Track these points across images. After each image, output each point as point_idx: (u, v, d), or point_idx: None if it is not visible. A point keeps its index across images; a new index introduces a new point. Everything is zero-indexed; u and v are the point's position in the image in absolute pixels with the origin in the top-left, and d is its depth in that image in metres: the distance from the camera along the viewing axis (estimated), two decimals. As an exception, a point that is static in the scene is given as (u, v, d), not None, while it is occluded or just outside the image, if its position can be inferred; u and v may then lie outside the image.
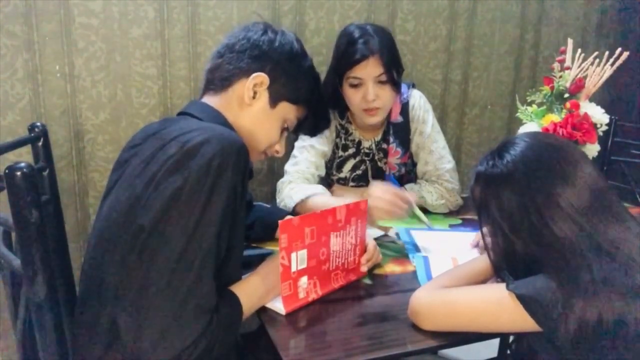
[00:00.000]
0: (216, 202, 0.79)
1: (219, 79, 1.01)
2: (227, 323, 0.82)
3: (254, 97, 1.00)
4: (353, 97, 1.39)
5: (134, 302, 0.77)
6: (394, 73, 1.38)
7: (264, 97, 1.01)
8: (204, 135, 0.82)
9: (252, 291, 0.92)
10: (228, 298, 0.87)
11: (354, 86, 1.38)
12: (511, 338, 1.77)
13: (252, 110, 1.01)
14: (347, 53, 1.36)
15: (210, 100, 1.01)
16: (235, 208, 0.84)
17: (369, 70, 1.35)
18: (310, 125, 1.17)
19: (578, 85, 1.36)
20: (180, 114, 1.01)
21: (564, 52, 1.40)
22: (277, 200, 1.43)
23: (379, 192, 1.18)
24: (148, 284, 0.76)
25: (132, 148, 0.94)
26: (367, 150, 1.55)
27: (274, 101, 1.02)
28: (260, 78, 0.99)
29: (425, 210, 1.46)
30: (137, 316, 0.76)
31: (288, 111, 1.05)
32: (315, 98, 1.10)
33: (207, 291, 0.78)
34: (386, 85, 1.37)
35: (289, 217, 0.97)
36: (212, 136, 0.82)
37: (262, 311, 0.96)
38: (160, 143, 0.86)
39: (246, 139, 0.96)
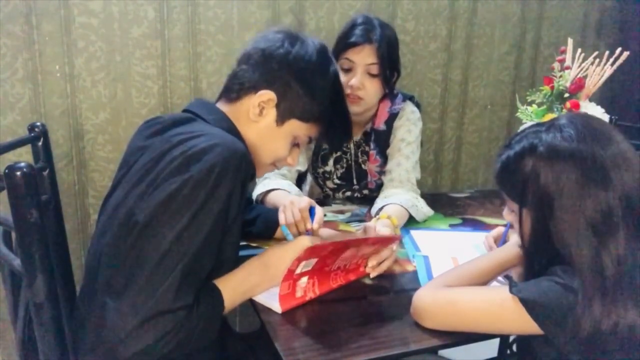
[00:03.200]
0: (210, 209, 0.82)
1: (234, 89, 1.00)
2: (206, 317, 0.84)
3: (260, 114, 0.98)
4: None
5: (118, 294, 0.80)
6: (386, 70, 1.39)
7: (271, 114, 0.98)
8: (209, 142, 0.84)
9: (236, 285, 0.92)
10: (210, 292, 0.88)
11: (344, 70, 1.38)
12: (511, 338, 1.77)
13: (258, 126, 0.99)
14: (345, 35, 1.38)
15: (223, 106, 1.01)
16: (229, 215, 0.86)
17: (362, 56, 1.36)
18: (326, 140, 1.14)
19: (578, 85, 1.36)
20: (187, 111, 1.01)
21: (564, 52, 1.40)
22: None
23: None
24: (132, 277, 0.79)
25: (140, 150, 0.95)
26: (345, 149, 1.55)
27: (281, 119, 0.99)
28: (268, 96, 0.96)
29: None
30: (118, 307, 0.79)
31: (297, 129, 1.01)
32: (330, 116, 1.03)
33: (185, 290, 0.80)
34: (375, 79, 1.38)
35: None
36: (217, 144, 0.84)
37: (262, 311, 0.96)
38: (167, 145, 0.87)
39: (252, 152, 0.97)
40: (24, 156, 1.45)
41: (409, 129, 1.48)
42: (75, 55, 1.51)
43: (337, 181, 1.59)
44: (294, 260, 0.91)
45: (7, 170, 0.75)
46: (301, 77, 0.97)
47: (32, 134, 1.26)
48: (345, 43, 1.37)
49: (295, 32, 1.02)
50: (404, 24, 1.87)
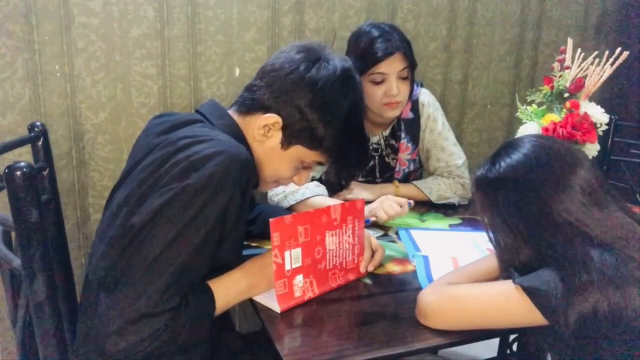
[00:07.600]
0: (206, 218, 0.83)
1: (245, 103, 0.98)
2: (195, 317, 0.84)
3: (265, 135, 0.96)
4: (376, 93, 1.42)
5: (111, 291, 0.81)
6: (413, 69, 1.46)
7: (276, 136, 0.96)
8: (213, 150, 0.84)
9: (230, 286, 0.93)
10: (201, 293, 0.88)
11: (376, 83, 1.42)
12: (511, 338, 1.77)
13: (264, 145, 0.97)
14: (371, 50, 1.39)
15: (234, 114, 1.01)
16: (227, 223, 0.87)
17: (395, 65, 1.40)
18: (335, 172, 1.07)
19: (578, 85, 1.36)
20: (198, 112, 1.01)
21: (564, 52, 1.40)
22: (269, 195, 1.43)
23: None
24: (123, 278, 0.81)
25: (149, 147, 0.94)
26: (375, 146, 1.57)
27: (287, 143, 0.96)
28: (273, 119, 0.94)
29: (429, 205, 1.52)
30: (109, 303, 0.80)
31: (304, 155, 0.98)
32: (342, 146, 0.97)
33: (172, 295, 0.81)
34: (406, 80, 1.44)
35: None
36: (220, 151, 0.84)
37: (262, 311, 0.96)
38: (173, 149, 0.88)
39: (256, 167, 0.97)
40: (24, 156, 1.45)
41: (434, 118, 1.56)
42: (75, 55, 1.51)
43: (361, 179, 1.60)
44: (273, 249, 0.92)
45: (7, 170, 0.76)
46: (313, 103, 0.93)
47: (32, 134, 1.26)
48: (374, 59, 1.39)
49: (319, 52, 0.96)
50: (404, 24, 1.87)
